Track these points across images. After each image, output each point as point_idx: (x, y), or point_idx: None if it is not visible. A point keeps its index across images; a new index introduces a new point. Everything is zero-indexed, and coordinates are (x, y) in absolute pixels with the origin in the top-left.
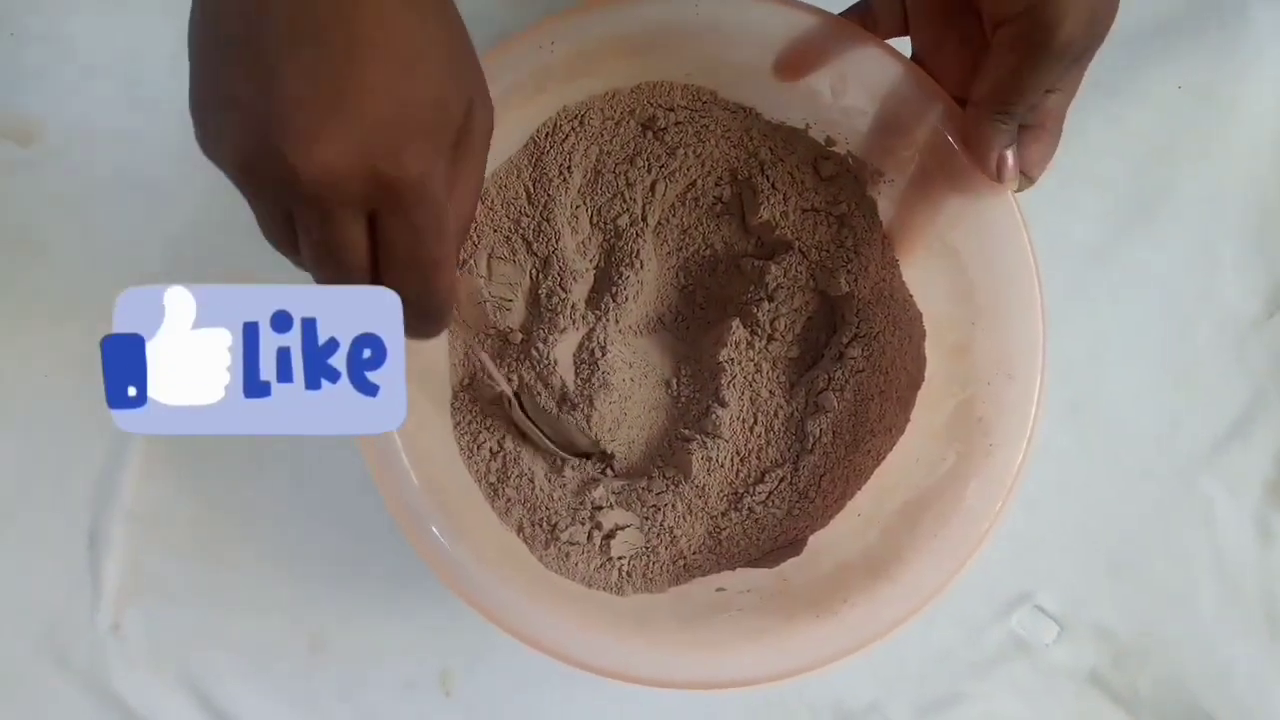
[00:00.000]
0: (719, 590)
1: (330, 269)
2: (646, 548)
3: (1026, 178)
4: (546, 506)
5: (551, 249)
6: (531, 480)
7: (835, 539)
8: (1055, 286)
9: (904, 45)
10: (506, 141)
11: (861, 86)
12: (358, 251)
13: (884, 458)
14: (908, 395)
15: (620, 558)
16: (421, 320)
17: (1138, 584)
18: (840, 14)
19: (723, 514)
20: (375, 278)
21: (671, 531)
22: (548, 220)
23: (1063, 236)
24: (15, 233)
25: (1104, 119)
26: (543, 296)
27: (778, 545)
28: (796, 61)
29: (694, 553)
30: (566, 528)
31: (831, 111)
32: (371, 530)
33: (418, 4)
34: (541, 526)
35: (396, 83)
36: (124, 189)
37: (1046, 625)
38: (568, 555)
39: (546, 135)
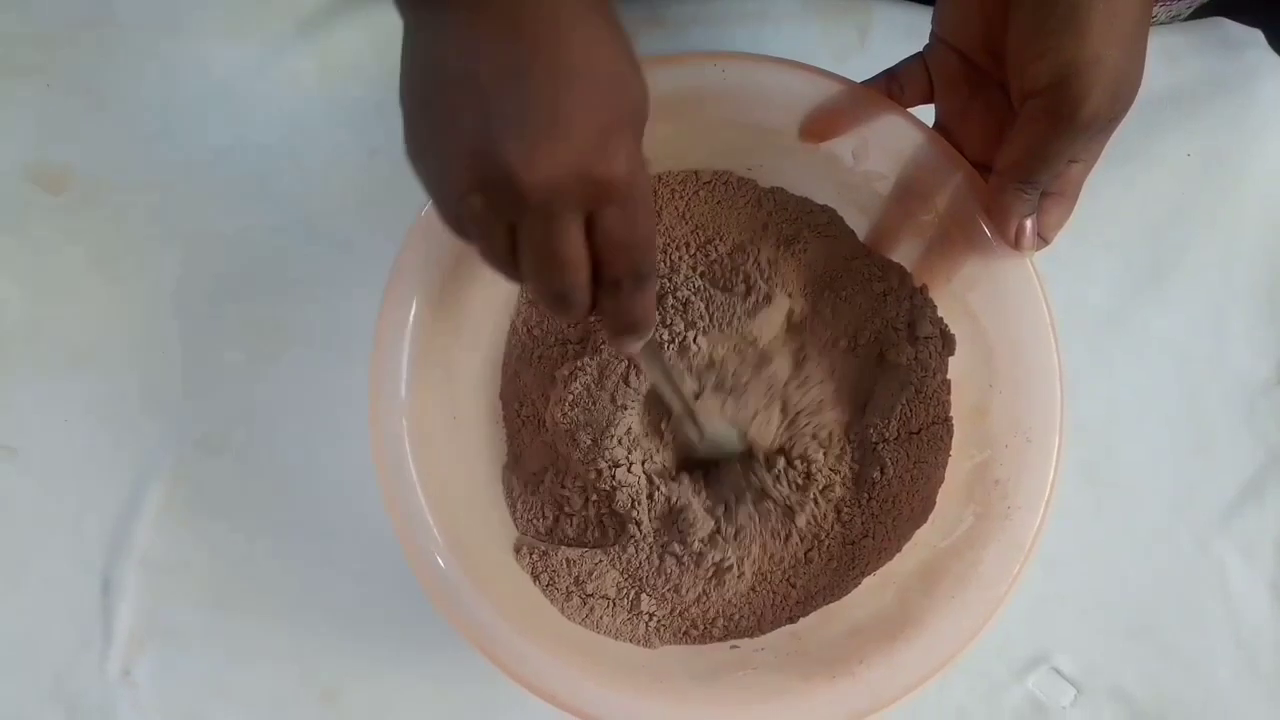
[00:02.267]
0: (733, 647)
1: (553, 269)
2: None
3: (1042, 239)
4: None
5: None
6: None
7: (851, 599)
8: (1068, 350)
9: (926, 114)
10: None
11: (883, 152)
12: (577, 248)
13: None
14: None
15: (648, 614)
16: (630, 299)
17: (1154, 647)
18: (866, 81)
19: (762, 582)
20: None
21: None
22: None
23: (1075, 300)
24: (42, 280)
25: (1116, 184)
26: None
27: (805, 612)
28: (821, 127)
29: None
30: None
31: (852, 176)
32: (386, 583)
33: (600, 22)
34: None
35: (598, 97)
36: (153, 239)
37: (1063, 688)
38: (592, 609)
39: None
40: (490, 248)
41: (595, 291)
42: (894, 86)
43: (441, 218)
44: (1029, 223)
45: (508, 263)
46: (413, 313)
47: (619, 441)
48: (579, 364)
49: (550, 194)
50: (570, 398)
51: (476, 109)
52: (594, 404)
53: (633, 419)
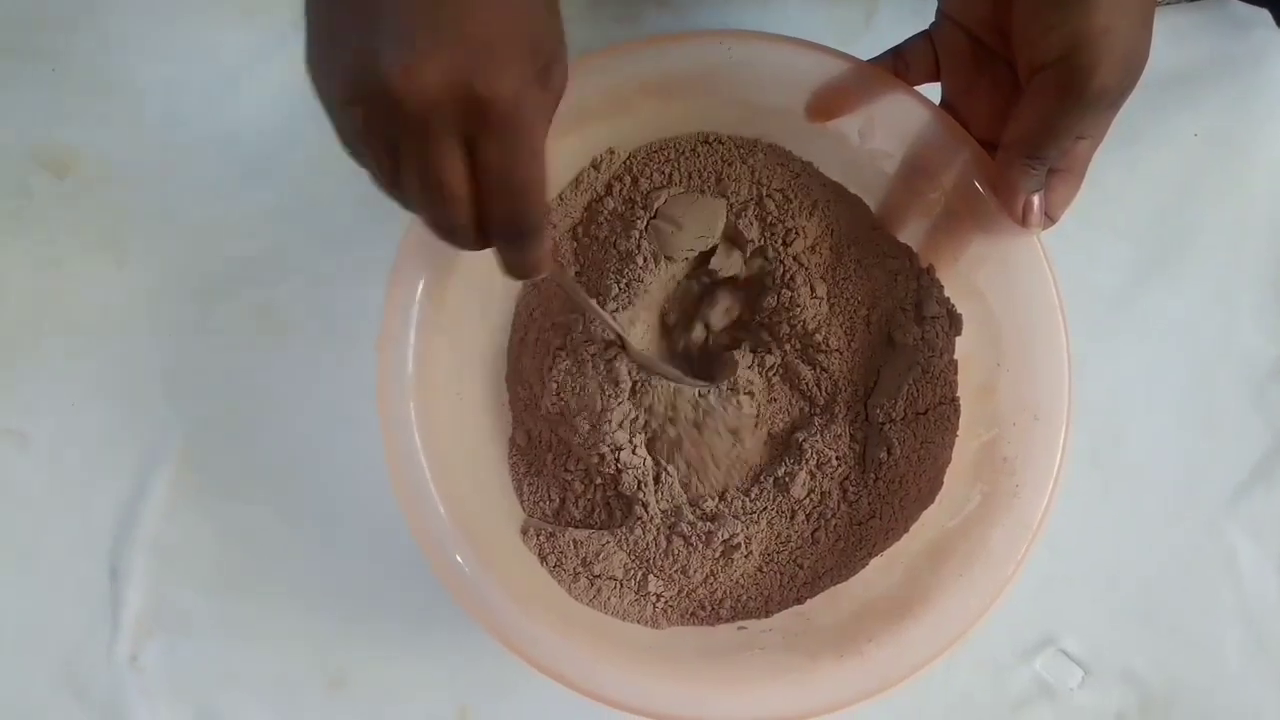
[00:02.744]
0: (741, 628)
1: (434, 199)
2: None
3: (1049, 218)
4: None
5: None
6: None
7: (859, 580)
8: (1075, 331)
9: (934, 91)
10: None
11: (889, 130)
12: (456, 176)
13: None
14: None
15: (656, 595)
16: (514, 249)
17: (1162, 629)
18: (873, 59)
19: (769, 562)
20: (476, 211)
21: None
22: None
23: (1082, 281)
24: (47, 264)
25: (1122, 165)
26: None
27: (812, 593)
28: (828, 105)
29: (737, 596)
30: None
31: (859, 154)
32: (393, 566)
33: None
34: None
35: (490, 11)
36: (159, 222)
37: (1071, 670)
38: (599, 590)
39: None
40: (376, 172)
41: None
42: (900, 65)
43: (338, 139)
44: (1036, 199)
45: (394, 190)
46: (419, 294)
47: (619, 425)
48: (561, 349)
49: (423, 106)
50: (555, 385)
51: (361, 15)
52: (583, 390)
53: (627, 401)
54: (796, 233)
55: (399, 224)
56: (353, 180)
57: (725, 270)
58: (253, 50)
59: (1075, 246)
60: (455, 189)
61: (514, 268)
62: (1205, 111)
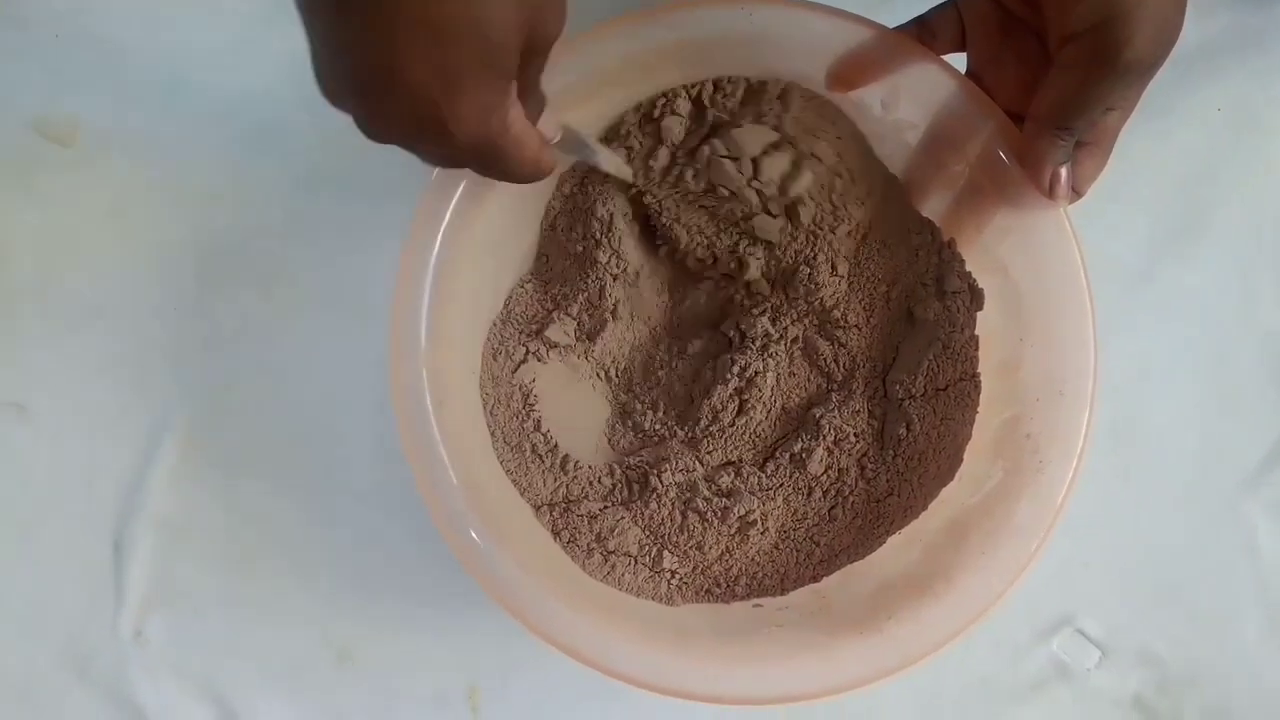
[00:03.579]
0: (756, 606)
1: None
2: (700, 565)
3: (1075, 192)
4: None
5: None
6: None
7: (876, 557)
8: (1097, 307)
9: (959, 61)
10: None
11: (914, 101)
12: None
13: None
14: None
15: (671, 571)
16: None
17: (1181, 608)
18: (897, 28)
19: (785, 539)
20: None
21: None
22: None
23: (1103, 257)
24: (52, 235)
25: (1145, 140)
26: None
27: (829, 571)
28: (850, 74)
29: (753, 574)
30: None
31: (881, 125)
32: (402, 541)
33: None
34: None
35: (428, 46)
36: (164, 192)
37: (1088, 650)
38: (614, 566)
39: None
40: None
41: None
42: (925, 33)
43: None
44: (1064, 172)
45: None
46: (432, 263)
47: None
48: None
49: (390, 141)
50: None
51: (328, 49)
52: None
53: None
54: (846, 218)
55: (413, 194)
56: (361, 149)
57: (764, 233)
58: (258, 16)
59: (1096, 221)
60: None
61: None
62: (1229, 86)
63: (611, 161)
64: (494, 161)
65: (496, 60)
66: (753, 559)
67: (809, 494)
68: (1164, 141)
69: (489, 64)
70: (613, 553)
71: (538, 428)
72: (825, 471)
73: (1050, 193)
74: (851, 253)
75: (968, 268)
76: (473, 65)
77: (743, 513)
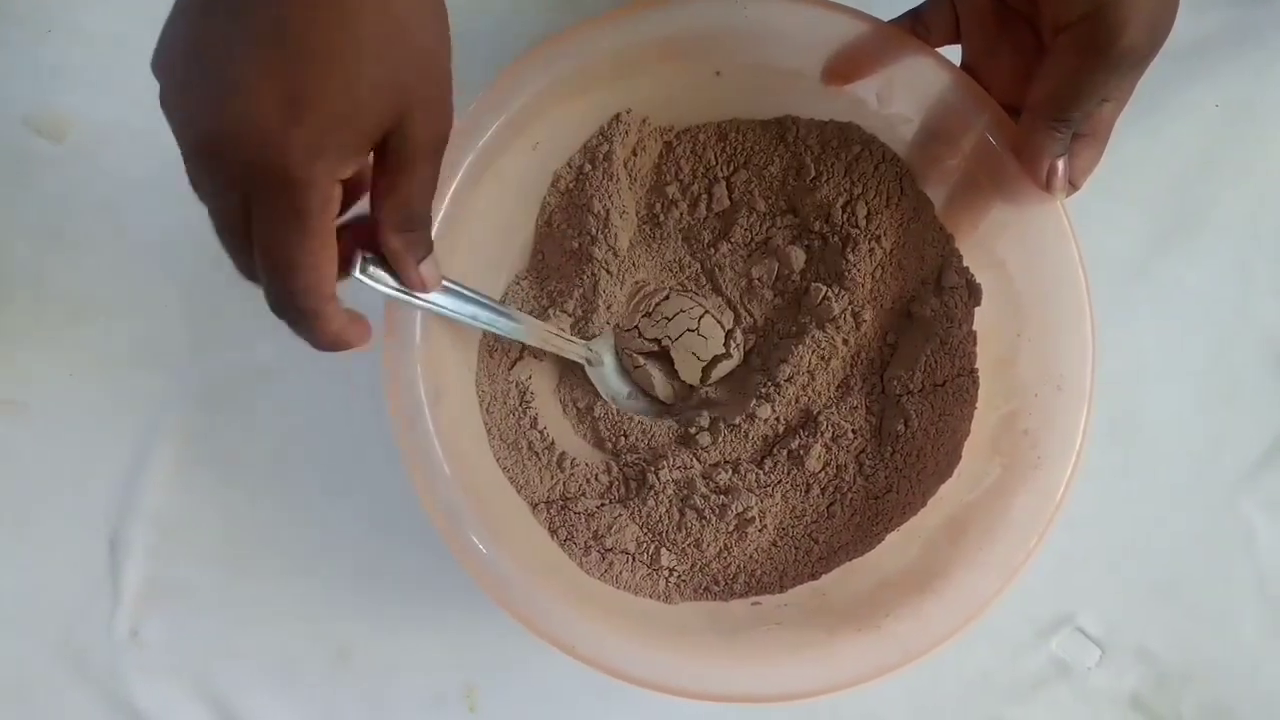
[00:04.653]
0: (755, 603)
1: (222, 235)
2: (698, 562)
3: (1071, 185)
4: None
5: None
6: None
7: (875, 554)
8: (1094, 302)
9: (953, 54)
10: (555, 136)
11: (909, 94)
12: (233, 219)
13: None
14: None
15: (669, 569)
16: (294, 327)
17: (1180, 606)
18: (891, 21)
19: (783, 536)
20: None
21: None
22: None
23: (1099, 254)
24: (44, 230)
25: (1142, 136)
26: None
27: (828, 568)
28: (846, 68)
29: (751, 571)
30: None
31: (876, 119)
32: (399, 540)
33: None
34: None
35: (301, 79)
36: (156, 189)
37: (1088, 648)
38: (611, 564)
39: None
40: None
41: None
42: (920, 26)
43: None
44: (1061, 164)
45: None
46: None
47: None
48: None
49: (207, 155)
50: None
51: (197, 43)
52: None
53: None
54: (866, 242)
55: None
56: None
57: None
58: None
59: (1092, 217)
60: (234, 229)
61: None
62: (1225, 82)
63: (520, 329)
64: (283, 213)
65: (354, 115)
66: (751, 556)
67: (807, 491)
68: (1160, 137)
69: (345, 112)
70: (610, 550)
71: (534, 425)
72: (823, 468)
73: (1048, 186)
74: (869, 274)
75: (965, 263)
76: (331, 101)
77: (741, 510)
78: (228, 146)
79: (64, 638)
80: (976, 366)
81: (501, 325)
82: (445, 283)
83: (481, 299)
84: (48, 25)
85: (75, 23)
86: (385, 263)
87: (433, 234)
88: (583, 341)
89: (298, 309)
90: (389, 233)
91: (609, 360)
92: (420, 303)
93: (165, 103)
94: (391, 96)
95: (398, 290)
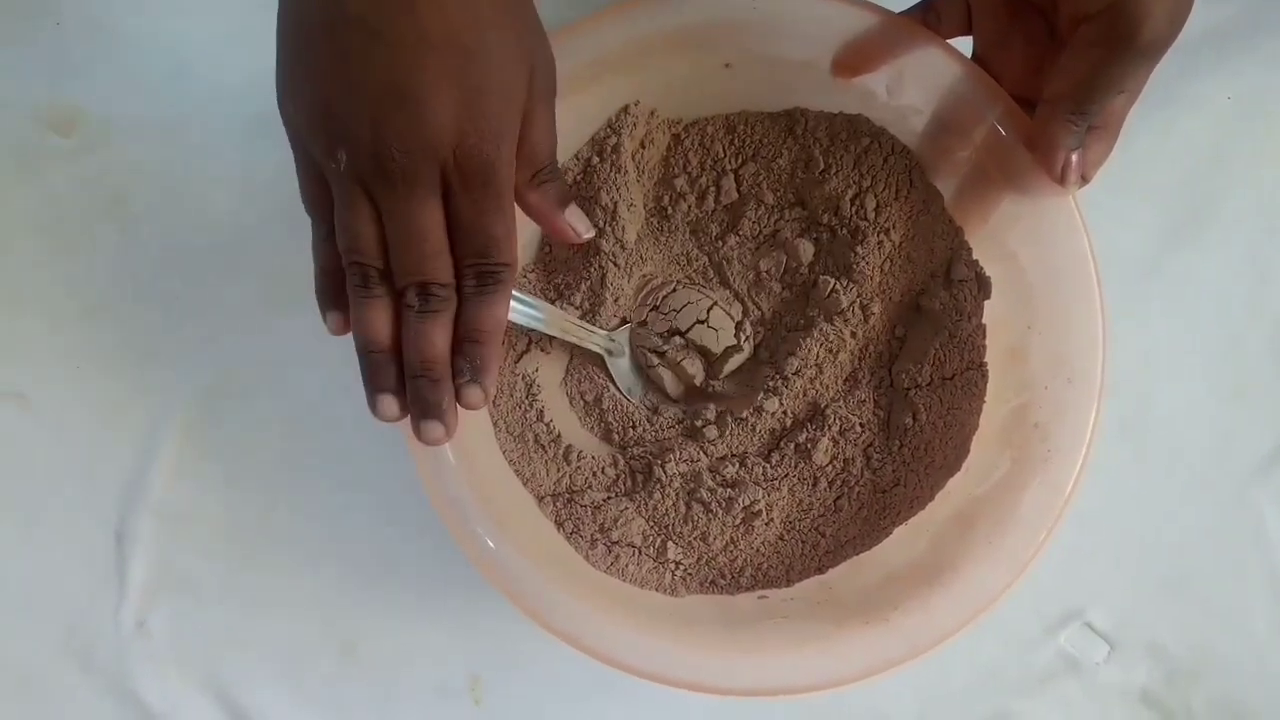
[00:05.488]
0: (761, 597)
1: (412, 248)
2: (704, 556)
3: (1082, 178)
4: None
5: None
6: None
7: (882, 548)
8: (1105, 295)
9: (965, 45)
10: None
11: (920, 86)
12: (435, 226)
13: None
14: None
15: (675, 563)
16: (483, 292)
17: (1190, 601)
18: (903, 12)
19: (790, 530)
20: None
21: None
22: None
23: (1111, 247)
24: (53, 224)
25: (1154, 129)
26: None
27: (835, 562)
28: (856, 60)
29: (758, 565)
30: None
31: (886, 111)
32: (405, 533)
33: None
34: (588, 526)
35: (459, 76)
36: (163, 182)
37: (1096, 643)
38: (617, 557)
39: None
40: (332, 219)
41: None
42: (931, 17)
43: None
44: (1075, 156)
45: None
46: None
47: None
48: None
49: (401, 169)
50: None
51: (337, 68)
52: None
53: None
54: (875, 235)
55: None
56: None
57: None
58: (260, 4)
59: (1104, 211)
60: (432, 238)
61: (472, 322)
62: (1237, 74)
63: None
64: (485, 190)
65: (510, 89)
66: (758, 550)
67: (814, 484)
68: (1173, 130)
69: (505, 91)
70: (616, 543)
71: (540, 418)
72: (831, 462)
73: (1061, 179)
74: (877, 267)
75: (975, 256)
76: (492, 88)
77: (747, 503)
78: (419, 153)
79: (71, 630)
80: (986, 360)
81: (522, 313)
82: None
83: None
84: (56, 18)
85: (84, 16)
86: None
87: None
88: (605, 332)
89: (498, 278)
90: (523, 190)
91: (628, 353)
92: None
93: (318, 129)
94: (525, 64)
95: None
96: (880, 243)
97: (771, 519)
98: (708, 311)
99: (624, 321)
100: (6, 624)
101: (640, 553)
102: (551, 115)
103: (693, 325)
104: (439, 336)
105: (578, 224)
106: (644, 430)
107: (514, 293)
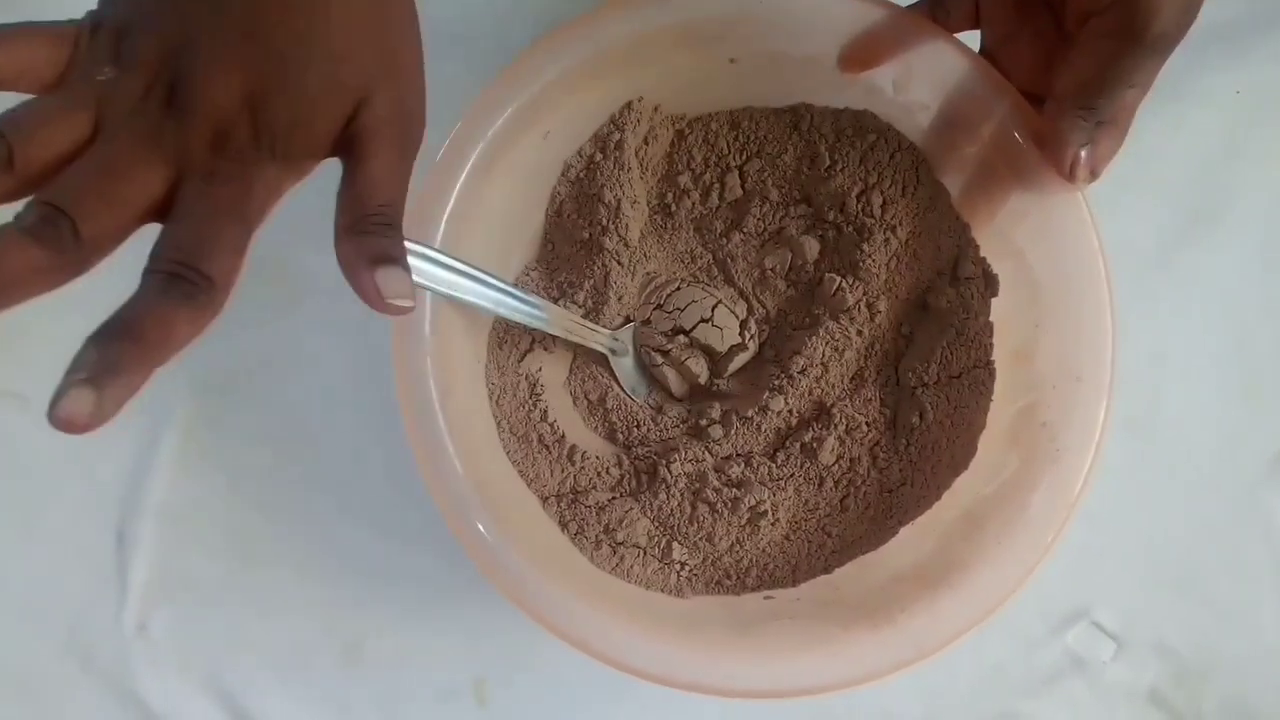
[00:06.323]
0: (768, 597)
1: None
2: (709, 557)
3: (1091, 173)
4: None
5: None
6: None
7: (889, 548)
8: (1115, 292)
9: (972, 40)
10: (566, 124)
11: (927, 81)
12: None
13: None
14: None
15: (680, 563)
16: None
17: (1198, 600)
18: (910, 6)
19: (796, 530)
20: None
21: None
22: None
23: (1120, 243)
24: None
25: (1163, 123)
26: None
27: (841, 562)
28: (863, 54)
29: (764, 565)
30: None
31: (892, 107)
32: (409, 535)
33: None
34: (593, 526)
35: (251, 61)
36: None
37: (1104, 642)
38: (622, 558)
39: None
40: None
41: None
42: (939, 11)
43: None
44: (1084, 152)
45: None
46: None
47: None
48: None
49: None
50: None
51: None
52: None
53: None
54: (882, 232)
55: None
56: None
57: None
58: None
59: (1113, 207)
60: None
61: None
62: (1247, 68)
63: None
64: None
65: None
66: (764, 550)
67: (820, 484)
68: (1182, 125)
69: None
70: (621, 544)
71: (544, 418)
72: (837, 461)
73: (1071, 175)
74: (883, 264)
75: (982, 253)
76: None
77: (753, 503)
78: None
79: (72, 632)
80: (993, 358)
81: (524, 313)
82: (467, 269)
83: (504, 286)
84: (55, 14)
85: (76, 14)
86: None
87: (442, 226)
88: (608, 331)
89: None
90: (337, 235)
91: (632, 352)
92: (444, 290)
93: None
94: (344, 86)
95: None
96: (886, 240)
97: (777, 519)
98: (712, 310)
99: (628, 320)
100: (7, 625)
101: (645, 553)
102: (400, 160)
103: (697, 323)
104: None
105: (389, 286)
106: (648, 430)
107: (517, 292)
